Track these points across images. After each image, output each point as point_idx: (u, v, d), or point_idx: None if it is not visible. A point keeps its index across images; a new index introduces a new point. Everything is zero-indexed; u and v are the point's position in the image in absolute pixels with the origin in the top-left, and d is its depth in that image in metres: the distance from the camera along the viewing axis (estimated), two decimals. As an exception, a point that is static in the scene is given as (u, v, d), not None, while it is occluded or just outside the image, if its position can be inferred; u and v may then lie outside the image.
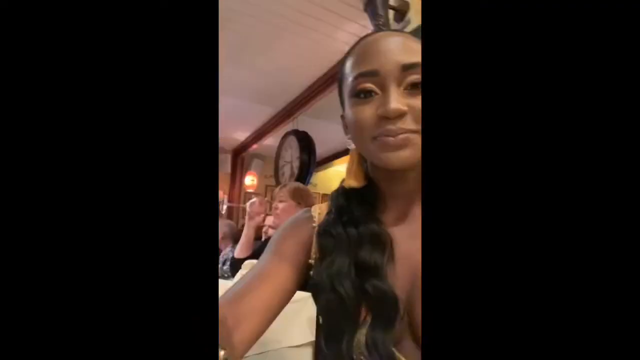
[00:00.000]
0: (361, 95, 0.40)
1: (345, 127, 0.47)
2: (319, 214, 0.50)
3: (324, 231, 0.45)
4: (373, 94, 0.40)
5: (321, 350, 0.40)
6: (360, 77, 0.40)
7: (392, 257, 0.42)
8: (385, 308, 0.38)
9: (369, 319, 0.39)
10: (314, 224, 0.48)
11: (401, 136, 0.38)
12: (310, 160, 2.59)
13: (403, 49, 0.40)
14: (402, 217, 0.45)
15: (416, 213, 0.45)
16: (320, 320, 0.41)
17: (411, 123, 0.38)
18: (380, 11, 1.09)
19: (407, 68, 0.39)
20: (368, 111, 0.39)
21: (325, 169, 4.45)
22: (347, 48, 0.45)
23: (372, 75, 0.39)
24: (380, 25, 1.10)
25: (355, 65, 0.42)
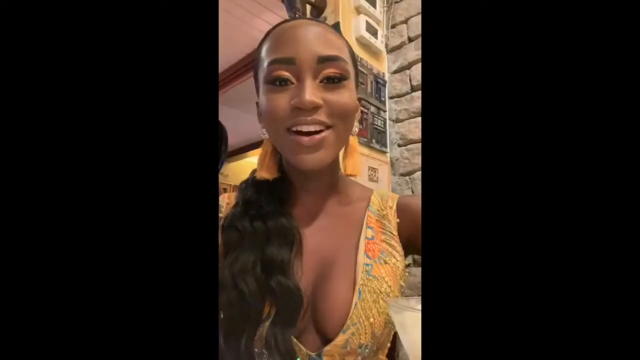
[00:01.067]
0: (276, 82, 0.39)
1: (259, 115, 0.44)
2: (227, 204, 0.47)
3: (230, 225, 0.43)
4: (288, 82, 0.38)
5: (219, 348, 0.39)
6: (275, 63, 0.38)
7: (300, 252, 0.42)
8: (289, 304, 0.38)
9: (272, 313, 0.38)
10: (220, 215, 0.46)
11: (316, 137, 0.38)
12: (222, 149, 2.48)
13: (322, 40, 0.39)
14: (313, 212, 0.45)
15: (327, 208, 0.45)
16: (221, 316, 0.39)
17: (325, 116, 0.38)
18: (298, 4, 1.08)
19: (323, 60, 0.38)
20: (282, 100, 0.38)
21: (237, 160, 4.32)
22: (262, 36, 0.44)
23: (287, 62, 0.38)
24: (297, 19, 1.10)
25: (272, 50, 0.40)
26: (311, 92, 0.37)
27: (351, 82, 0.41)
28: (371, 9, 1.21)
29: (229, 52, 2.10)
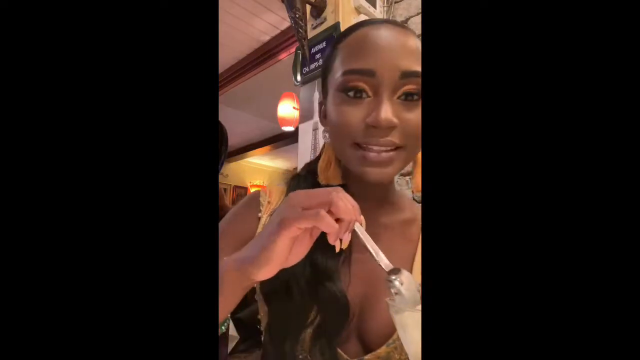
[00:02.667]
0: (350, 93, 0.36)
1: (323, 118, 0.42)
2: (269, 202, 0.45)
3: None
4: (364, 94, 0.36)
5: (266, 348, 0.39)
6: (353, 74, 0.35)
7: (348, 260, 0.41)
8: (335, 312, 0.37)
9: (317, 321, 0.38)
10: (259, 215, 0.44)
11: (384, 154, 0.36)
12: (222, 150, 2.47)
13: (406, 51, 0.36)
14: (367, 221, 0.44)
15: (381, 218, 0.44)
16: (268, 318, 0.39)
17: (397, 137, 0.35)
18: (298, 4, 1.08)
19: (406, 75, 0.35)
20: (356, 115, 0.35)
21: (237, 160, 4.32)
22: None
23: (367, 74, 0.35)
24: (297, 19, 1.10)
25: (349, 58, 0.36)
26: (388, 111, 0.34)
27: None
28: (371, 9, 1.21)
29: (229, 52, 2.09)
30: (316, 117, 1.19)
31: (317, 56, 1.17)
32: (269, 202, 0.44)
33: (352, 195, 0.41)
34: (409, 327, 0.27)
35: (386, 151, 0.36)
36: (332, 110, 0.38)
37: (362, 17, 1.17)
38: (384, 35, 0.36)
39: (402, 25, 0.39)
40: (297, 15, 1.08)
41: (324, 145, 0.44)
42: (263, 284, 0.40)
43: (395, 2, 1.32)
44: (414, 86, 0.35)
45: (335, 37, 1.11)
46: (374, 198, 0.43)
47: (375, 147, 0.36)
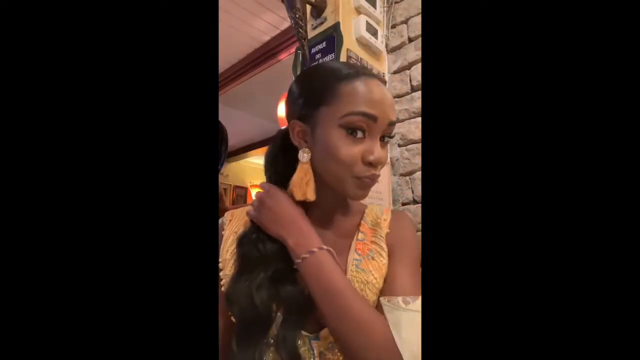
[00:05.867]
0: (352, 131, 0.43)
1: (304, 142, 0.48)
2: (230, 220, 0.52)
3: (249, 242, 0.47)
4: (359, 134, 0.43)
5: (231, 350, 0.42)
6: (362, 115, 0.43)
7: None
8: (296, 309, 0.43)
9: (280, 317, 0.43)
10: (222, 232, 0.51)
11: (373, 181, 0.45)
12: (222, 150, 2.48)
13: (392, 105, 0.46)
14: (324, 223, 0.51)
15: (332, 219, 0.52)
16: (236, 329, 0.44)
17: (379, 170, 0.45)
18: (298, 4, 1.08)
19: (391, 124, 0.45)
20: (355, 150, 0.43)
21: (237, 160, 4.31)
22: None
23: (372, 119, 0.43)
24: (297, 19, 1.10)
25: (357, 102, 0.43)
26: (381, 151, 0.44)
27: None
28: (371, 9, 1.21)
29: (229, 52, 2.09)
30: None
31: (317, 56, 1.17)
32: (230, 220, 0.53)
33: (321, 206, 0.51)
34: (402, 327, 0.27)
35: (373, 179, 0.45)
36: (332, 144, 0.44)
37: (362, 18, 1.17)
38: (380, 89, 0.45)
39: (383, 81, 0.51)
40: (297, 16, 1.08)
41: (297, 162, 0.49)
42: (227, 292, 0.45)
43: (396, 2, 1.32)
44: (390, 131, 0.46)
45: (333, 36, 1.11)
46: (331, 203, 0.52)
47: (368, 181, 0.45)
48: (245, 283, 0.44)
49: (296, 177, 0.48)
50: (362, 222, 0.54)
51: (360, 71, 0.46)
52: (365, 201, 0.55)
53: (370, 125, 0.43)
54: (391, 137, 0.47)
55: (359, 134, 0.44)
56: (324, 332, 0.45)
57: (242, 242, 0.48)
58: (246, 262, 0.46)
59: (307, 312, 0.43)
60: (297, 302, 0.43)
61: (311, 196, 0.47)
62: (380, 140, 0.45)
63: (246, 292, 0.43)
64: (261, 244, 0.47)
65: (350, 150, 0.43)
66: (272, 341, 0.43)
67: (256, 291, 0.43)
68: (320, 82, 0.46)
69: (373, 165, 0.44)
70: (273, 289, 0.44)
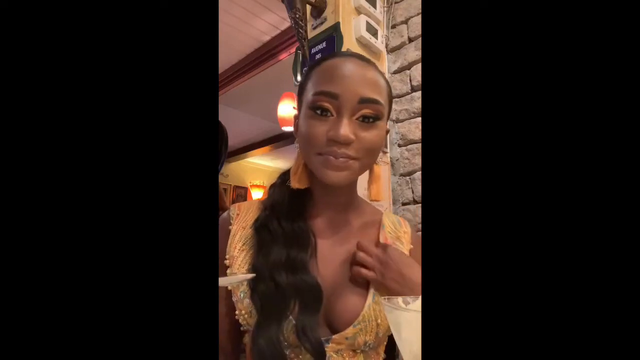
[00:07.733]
0: (317, 111, 0.43)
1: (296, 131, 0.50)
2: (237, 214, 0.53)
3: (262, 225, 0.48)
4: (329, 113, 0.43)
5: (254, 335, 0.42)
6: (321, 95, 0.43)
7: (315, 255, 0.48)
8: (311, 298, 0.43)
9: (296, 308, 0.43)
10: (230, 227, 0.51)
11: (341, 159, 0.43)
12: (222, 150, 2.48)
13: (366, 82, 0.44)
14: (332, 224, 0.51)
15: (345, 221, 0.52)
16: (257, 306, 0.44)
17: (353, 151, 0.43)
18: (298, 4, 1.08)
19: (363, 101, 0.43)
20: (320, 129, 0.43)
21: (237, 160, 4.31)
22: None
23: (332, 97, 0.43)
24: (297, 19, 1.10)
25: (320, 82, 0.44)
26: (347, 128, 0.42)
27: (383, 122, 0.46)
28: (371, 9, 1.21)
29: (229, 52, 2.09)
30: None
31: (317, 56, 1.17)
32: (237, 214, 0.52)
33: (316, 203, 0.51)
34: (402, 327, 0.27)
35: (343, 159, 0.43)
36: (303, 124, 0.46)
37: (362, 18, 1.17)
38: (350, 67, 0.44)
39: (367, 59, 0.47)
40: (297, 16, 1.08)
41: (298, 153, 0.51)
42: (254, 280, 0.46)
43: (395, 3, 1.32)
44: (370, 110, 0.43)
45: (333, 36, 1.11)
46: (338, 202, 0.52)
47: (332, 160, 0.43)
48: (263, 258, 0.45)
49: (293, 166, 0.50)
50: (382, 231, 0.53)
51: (338, 54, 0.47)
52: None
53: (334, 104, 0.43)
54: (378, 119, 0.44)
55: (328, 114, 0.43)
56: (337, 336, 0.45)
57: (256, 225, 0.49)
58: (260, 243, 0.47)
59: (320, 305, 0.44)
60: (313, 293, 0.44)
61: (303, 183, 0.48)
62: (359, 121, 0.43)
63: (266, 269, 0.44)
64: (271, 224, 0.48)
65: (316, 128, 0.43)
66: (293, 322, 0.44)
67: (274, 267, 0.44)
68: (306, 73, 0.48)
69: (333, 140, 0.42)
70: (290, 273, 0.44)
